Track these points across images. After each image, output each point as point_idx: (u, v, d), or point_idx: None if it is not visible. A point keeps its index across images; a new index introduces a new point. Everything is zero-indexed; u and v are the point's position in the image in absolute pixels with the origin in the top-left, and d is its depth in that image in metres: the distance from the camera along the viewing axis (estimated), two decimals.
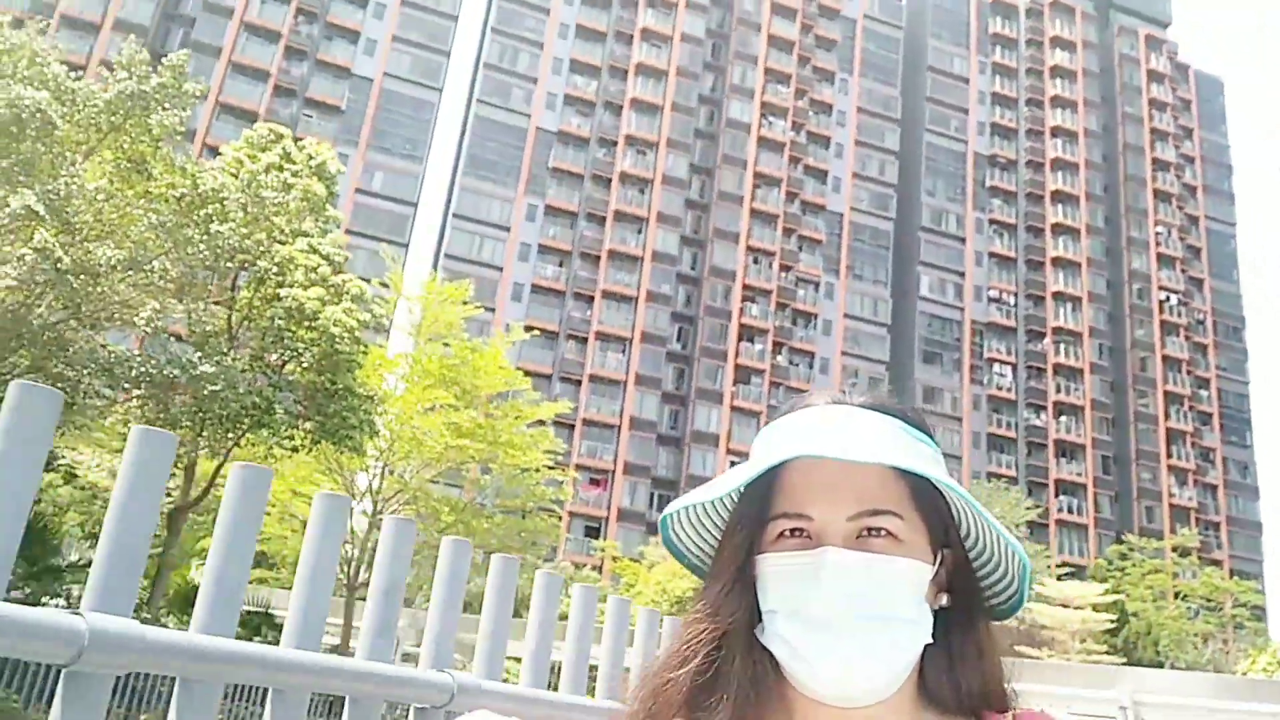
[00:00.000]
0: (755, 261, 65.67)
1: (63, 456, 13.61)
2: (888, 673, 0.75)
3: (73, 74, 10.74)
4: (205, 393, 10.60)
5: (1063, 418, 69.59)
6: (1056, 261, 73.13)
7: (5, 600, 0.82)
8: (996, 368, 70.22)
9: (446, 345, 16.79)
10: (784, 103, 68.81)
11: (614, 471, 57.83)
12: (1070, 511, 66.70)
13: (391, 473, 15.40)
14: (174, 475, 14.07)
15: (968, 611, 0.81)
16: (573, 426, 57.25)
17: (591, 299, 62.20)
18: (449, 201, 65.28)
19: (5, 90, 8.87)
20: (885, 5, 76.99)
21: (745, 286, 64.62)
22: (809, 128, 70.10)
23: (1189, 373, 73.39)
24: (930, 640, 0.78)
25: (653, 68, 66.68)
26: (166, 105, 10.52)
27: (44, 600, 11.53)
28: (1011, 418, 68.86)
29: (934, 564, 0.80)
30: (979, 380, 69.39)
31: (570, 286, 62.45)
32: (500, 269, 62.20)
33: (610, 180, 64.37)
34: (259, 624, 15.73)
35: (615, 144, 65.20)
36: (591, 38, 67.61)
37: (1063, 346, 71.01)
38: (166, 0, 57.95)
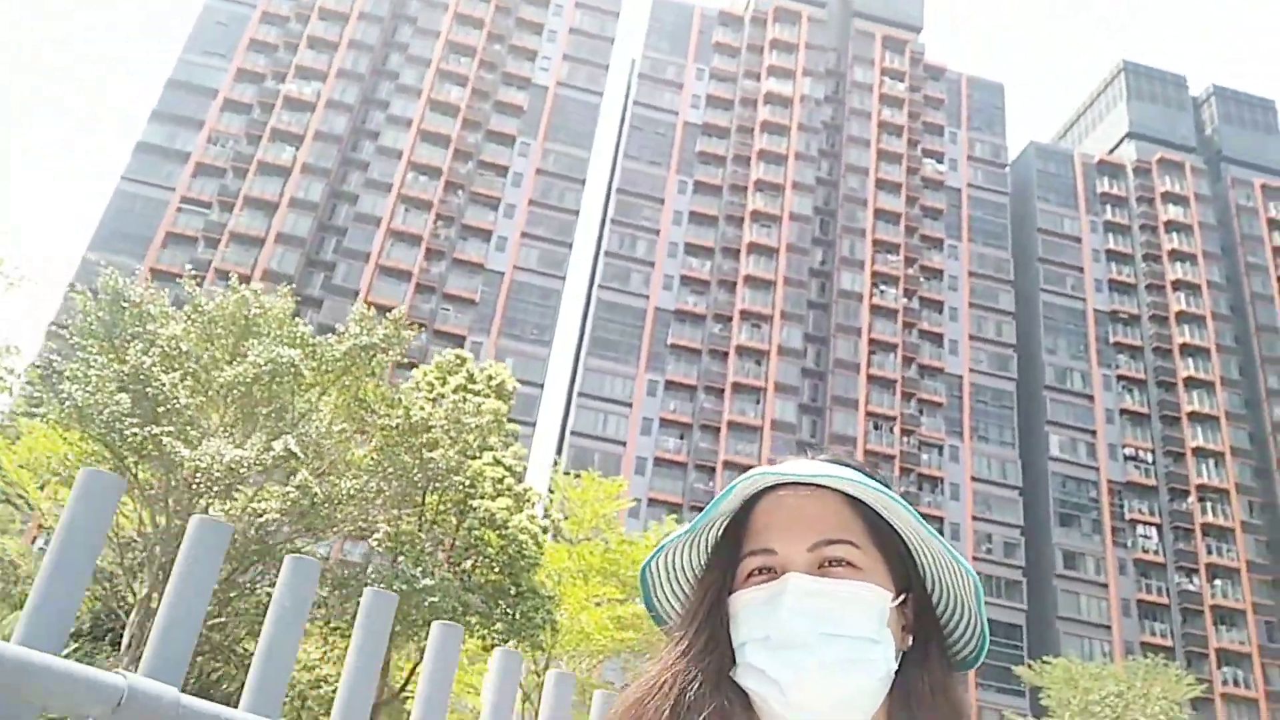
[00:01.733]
0: (875, 427, 65.86)
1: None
2: (854, 691, 0.79)
3: (307, 328, 12.98)
4: (425, 604, 12.14)
5: (1217, 580, 65.54)
6: (1193, 416, 70.80)
7: None
8: (1140, 529, 67.27)
9: (605, 540, 18.15)
10: (894, 271, 70.54)
11: None
12: (1236, 684, 61.79)
13: (559, 665, 16.44)
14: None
15: (930, 655, 0.85)
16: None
17: (713, 470, 63.16)
18: (573, 381, 68.35)
19: (269, 351, 10.98)
20: (989, 174, 79.10)
21: (867, 452, 64.60)
22: (921, 293, 71.37)
23: None
24: (895, 668, 0.82)
25: (764, 245, 69.70)
26: (390, 356, 12.57)
27: None
28: (1162, 582, 65.29)
29: (894, 594, 0.85)
30: (1122, 543, 66.49)
31: (692, 458, 63.71)
32: (624, 444, 64.12)
33: (727, 354, 66.44)
34: None
35: (730, 319, 67.63)
36: (704, 222, 71.39)
37: (1209, 504, 67.73)
38: (323, 213, 64.48)
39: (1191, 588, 65.02)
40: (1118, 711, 37.79)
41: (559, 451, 63.50)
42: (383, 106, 69.16)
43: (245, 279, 57.99)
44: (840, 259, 70.84)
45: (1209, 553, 65.94)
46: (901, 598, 0.84)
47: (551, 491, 15.35)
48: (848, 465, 0.89)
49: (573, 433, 64.52)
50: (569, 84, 74.39)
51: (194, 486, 11.12)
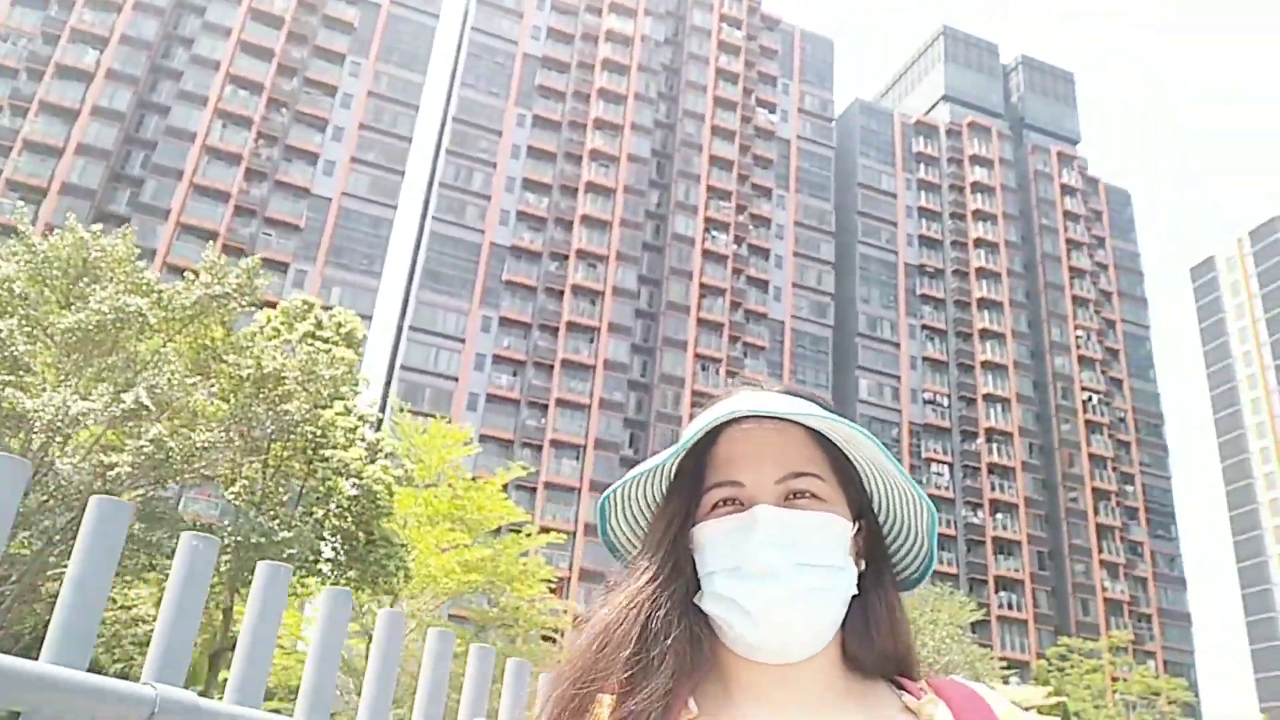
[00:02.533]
0: (703, 368, 68.22)
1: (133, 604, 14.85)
2: (824, 618, 0.82)
3: (153, 273, 12.43)
4: (283, 555, 12.13)
5: (999, 515, 72.49)
6: (985, 365, 77.10)
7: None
8: (934, 467, 73.09)
9: (451, 485, 18.45)
10: (726, 218, 72.55)
11: (569, 577, 58.60)
12: (1010, 607, 68.99)
13: (403, 607, 16.75)
14: (211, 619, 15.33)
15: (880, 577, 0.89)
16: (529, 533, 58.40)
17: (546, 407, 63.87)
18: (404, 314, 66.98)
19: (113, 299, 10.47)
20: (817, 127, 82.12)
21: (694, 392, 66.94)
22: (750, 240, 73.83)
23: (1114, 469, 77.20)
24: (855, 593, 0.86)
25: (601, 186, 70.01)
26: (242, 304, 12.22)
27: None
28: (950, 515, 71.47)
29: (853, 524, 0.88)
30: (918, 480, 72.02)
31: (525, 395, 64.11)
32: (456, 379, 63.71)
33: (563, 292, 66.81)
34: None
35: (567, 258, 67.88)
36: (542, 158, 70.84)
37: (995, 446, 74.38)
38: (130, 125, 59.67)
39: (976, 521, 71.62)
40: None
41: (388, 385, 62.34)
42: (198, 12, 64.28)
43: (41, 191, 53.25)
44: (675, 203, 72.15)
45: (992, 489, 72.68)
46: (857, 526, 0.89)
47: (385, 420, 15.29)
48: (801, 397, 0.93)
49: (403, 367, 63.49)
50: (403, 3, 71.44)
51: (35, 438, 10.62)
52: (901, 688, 0.87)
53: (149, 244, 50.43)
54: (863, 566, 0.87)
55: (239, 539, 11.78)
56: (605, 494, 0.90)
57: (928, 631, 41.67)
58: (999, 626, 67.42)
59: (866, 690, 0.86)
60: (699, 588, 0.84)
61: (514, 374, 65.07)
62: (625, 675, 0.80)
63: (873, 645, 0.85)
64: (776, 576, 0.79)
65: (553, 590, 21.36)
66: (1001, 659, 62.93)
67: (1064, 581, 71.68)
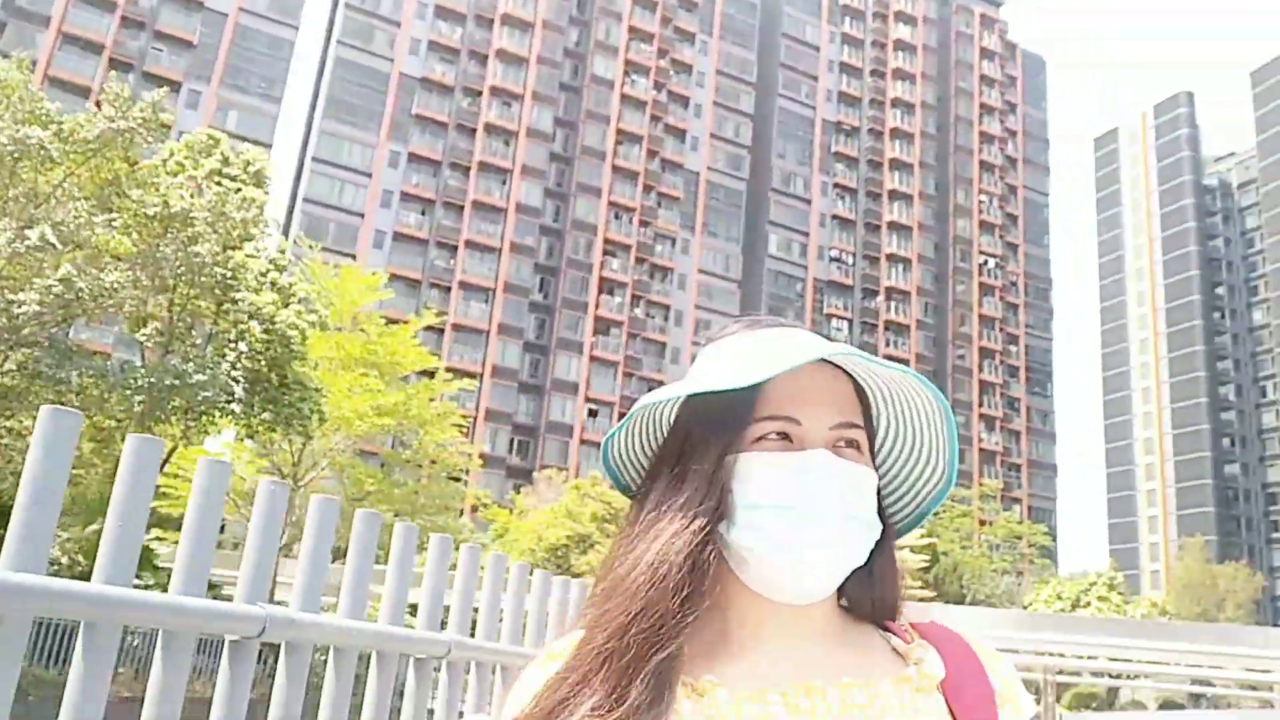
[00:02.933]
0: (616, 216, 68.01)
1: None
2: (844, 569, 0.83)
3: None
4: (198, 398, 12.23)
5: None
6: (891, 225, 78.84)
7: None
8: (834, 323, 75.54)
9: (363, 330, 18.54)
10: (646, 61, 70.79)
11: (475, 418, 59.63)
12: None
13: (309, 437, 17.06)
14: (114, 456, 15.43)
15: (886, 527, 0.88)
16: (433, 374, 58.63)
17: (455, 248, 63.12)
18: (306, 144, 64.35)
19: (10, 130, 9.94)
20: None
21: (606, 240, 66.96)
22: (670, 87, 72.44)
23: (1001, 330, 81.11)
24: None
25: (518, 19, 67.21)
26: (148, 139, 11.75)
27: None
28: None
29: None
30: (819, 333, 74.16)
31: (433, 235, 63.14)
32: (361, 215, 62.19)
33: (475, 130, 64.97)
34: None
35: (480, 94, 65.67)
36: None
37: (894, 304, 77.09)
38: None
39: None
40: None
41: (289, 217, 60.44)
42: None
43: None
44: (595, 42, 69.91)
45: (887, 345, 75.79)
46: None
47: (283, 253, 15.11)
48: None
49: (305, 199, 61.55)
50: None
51: None
52: (888, 630, 0.90)
53: (29, 53, 46.60)
54: None
55: (151, 380, 11.86)
56: (647, 401, 0.87)
57: None
58: None
59: (858, 633, 0.89)
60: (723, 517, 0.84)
61: (422, 213, 63.80)
62: (688, 615, 0.80)
63: (871, 593, 0.88)
64: (826, 523, 0.80)
65: (462, 432, 21.99)
66: None
67: None
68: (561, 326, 64.68)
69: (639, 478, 0.92)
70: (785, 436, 0.83)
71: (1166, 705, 36.75)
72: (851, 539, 0.82)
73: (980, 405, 78.24)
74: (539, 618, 2.33)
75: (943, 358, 78.26)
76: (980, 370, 79.27)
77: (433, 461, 20.33)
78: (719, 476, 0.82)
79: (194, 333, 13.69)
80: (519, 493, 49.61)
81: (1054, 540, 76.31)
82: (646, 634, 0.78)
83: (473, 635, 2.18)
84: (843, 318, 75.88)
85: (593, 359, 64.67)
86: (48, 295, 10.46)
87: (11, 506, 0.94)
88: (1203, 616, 48.86)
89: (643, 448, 0.91)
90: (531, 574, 2.37)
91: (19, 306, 10.88)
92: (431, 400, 19.79)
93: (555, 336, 64.56)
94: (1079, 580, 44.11)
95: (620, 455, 0.91)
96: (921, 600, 37.93)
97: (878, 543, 0.85)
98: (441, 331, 59.79)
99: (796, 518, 0.80)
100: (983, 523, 61.73)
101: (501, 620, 2.25)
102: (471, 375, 60.92)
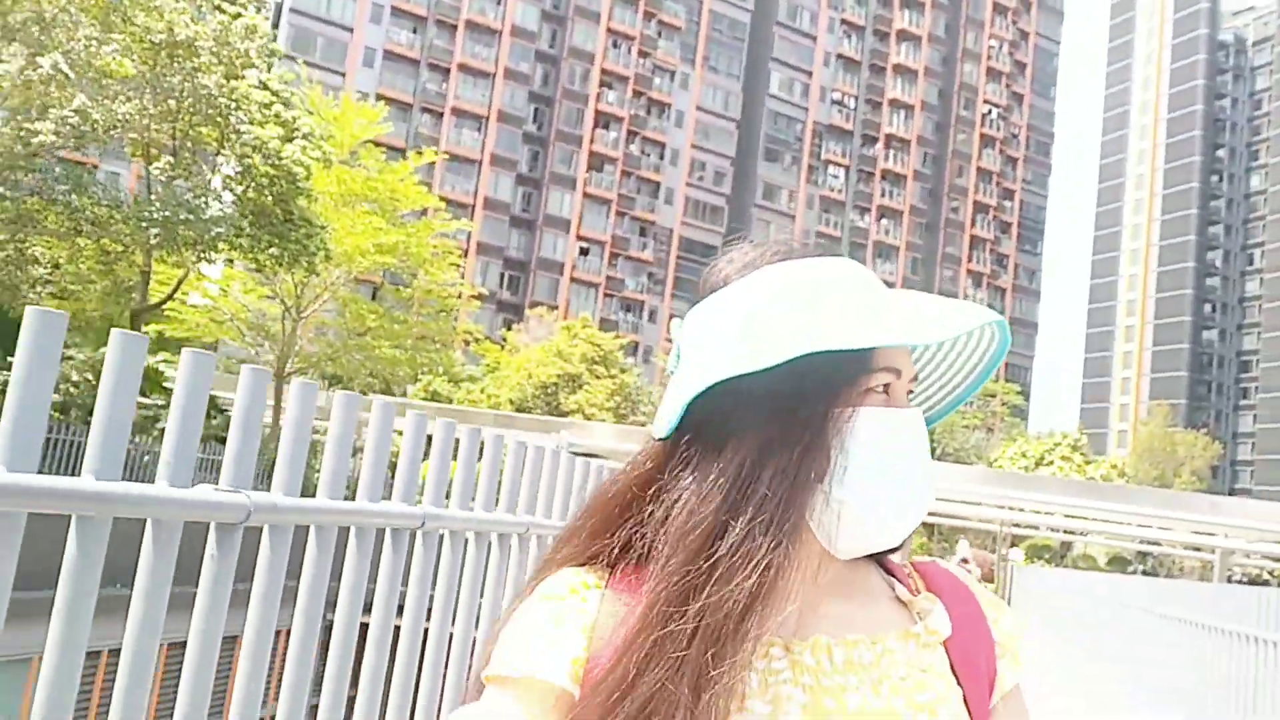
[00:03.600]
0: (615, 45, 65.82)
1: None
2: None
3: None
4: (210, 233, 12.38)
5: (884, 220, 75.72)
6: (897, 69, 76.72)
7: None
8: (831, 169, 74.68)
9: (363, 165, 18.42)
10: None
11: (467, 250, 59.54)
12: None
13: (316, 274, 17.32)
14: (134, 285, 15.77)
15: None
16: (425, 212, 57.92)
17: (447, 71, 61.26)
18: None
19: None
20: None
21: (603, 71, 65.06)
22: None
23: (998, 184, 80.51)
24: None
25: None
26: None
27: None
28: (839, 218, 74.31)
29: None
30: (815, 180, 73.86)
31: (425, 56, 61.10)
32: (350, 30, 59.90)
33: None
34: (207, 411, 18.09)
35: None
36: None
37: (893, 153, 76.03)
38: None
39: (862, 225, 74.75)
40: None
41: (275, 28, 58.12)
42: None
43: None
44: None
45: (882, 195, 75.28)
46: None
47: (286, 84, 14.86)
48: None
49: (292, 10, 59.03)
50: None
51: None
52: (890, 573, 0.88)
53: None
54: None
55: (166, 214, 11.97)
56: (798, 353, 0.73)
57: None
58: None
59: (862, 577, 0.85)
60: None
61: (414, 31, 61.48)
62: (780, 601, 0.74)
63: None
64: (915, 485, 0.78)
65: (459, 271, 22.25)
66: None
67: (931, 288, 76.92)
68: (555, 160, 63.70)
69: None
70: (885, 390, 0.78)
71: (1114, 560, 39.15)
72: (930, 499, 0.79)
73: (970, 260, 78.62)
74: (513, 485, 2.50)
75: (936, 210, 77.95)
76: (973, 225, 79.16)
77: (428, 292, 20.66)
78: (826, 434, 0.75)
79: (203, 166, 13.69)
80: (510, 329, 50.26)
81: (1027, 399, 78.45)
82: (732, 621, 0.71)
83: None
84: (840, 165, 74.92)
85: (586, 195, 64.08)
86: (63, 126, 10.42)
87: (17, 324, 1.10)
88: (1159, 480, 51.17)
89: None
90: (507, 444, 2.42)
91: (34, 136, 10.86)
92: (430, 238, 19.94)
93: (549, 170, 63.68)
94: (1045, 440, 45.90)
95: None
96: None
97: None
98: (433, 160, 58.73)
99: (892, 478, 0.76)
100: None
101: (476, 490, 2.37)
102: (463, 206, 60.39)
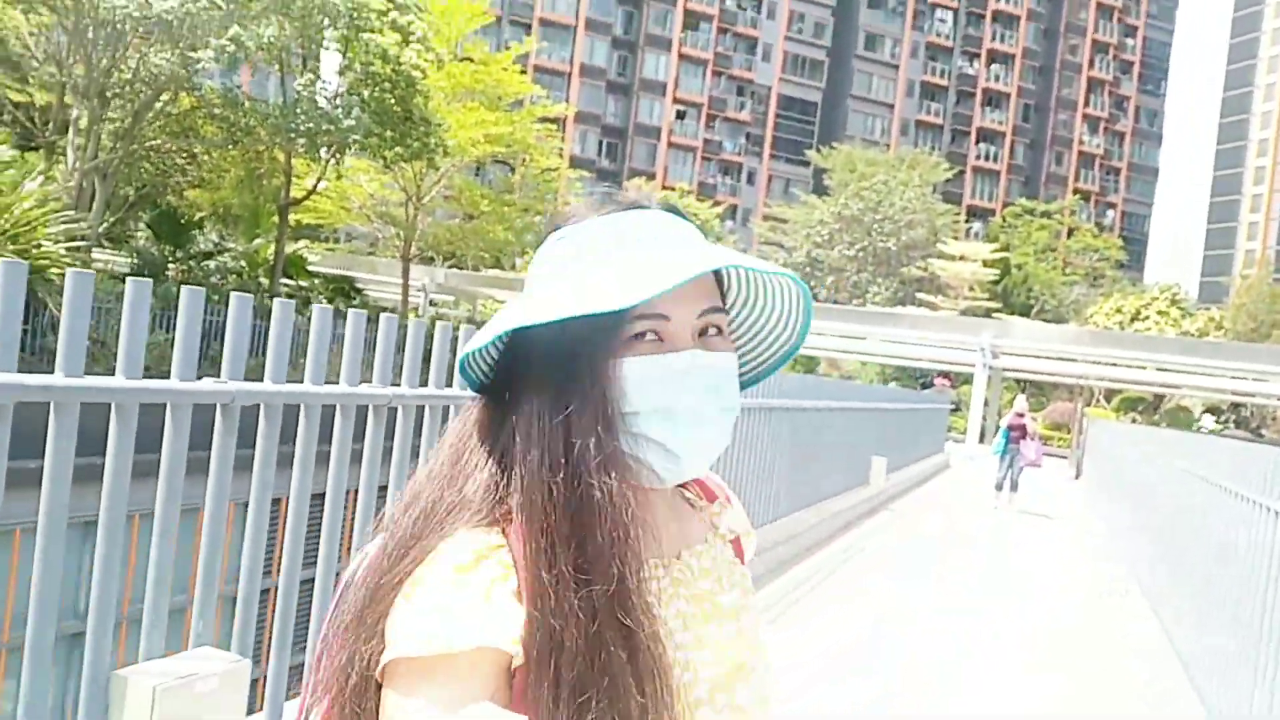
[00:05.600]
0: None
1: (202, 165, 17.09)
2: (722, 451, 0.83)
3: None
4: (349, 140, 14.13)
5: (994, 65, 72.50)
6: None
7: None
8: (938, 13, 71.45)
9: (469, 59, 19.68)
10: None
11: (566, 119, 60.27)
12: (987, 159, 72.02)
13: (436, 169, 18.99)
14: (277, 179, 17.77)
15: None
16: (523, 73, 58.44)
17: None
18: None
19: None
20: None
21: None
22: None
23: (1119, 20, 75.69)
24: None
25: None
26: None
27: (192, 279, 15.64)
28: (947, 65, 71.54)
29: None
30: (920, 26, 70.95)
31: None
32: None
33: None
34: (345, 289, 20.40)
35: None
36: None
37: None
38: None
39: (970, 71, 71.83)
40: (881, 196, 44.88)
41: None
42: None
43: None
44: None
45: (994, 38, 71.87)
46: None
47: None
48: (687, 218, 0.86)
49: None
50: None
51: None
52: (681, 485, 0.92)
53: None
54: None
55: (310, 125, 13.72)
56: (511, 327, 0.77)
57: (898, 192, 44.78)
58: (973, 177, 71.01)
59: (674, 497, 0.91)
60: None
61: None
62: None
63: None
64: (704, 421, 0.80)
65: (556, 152, 23.74)
66: (969, 207, 67.43)
67: (1044, 134, 74.00)
68: (650, 20, 63.04)
69: (490, 375, 0.84)
70: (655, 335, 0.79)
71: (1210, 411, 39.07)
72: (726, 429, 0.82)
73: (1086, 105, 74.96)
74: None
75: (1052, 52, 74.08)
76: (1091, 66, 75.06)
77: (534, 176, 22.12)
78: (600, 383, 0.77)
79: (339, 79, 15.32)
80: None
81: (1142, 251, 75.77)
82: (611, 567, 0.74)
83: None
84: (948, 7, 71.53)
85: (681, 56, 63.48)
86: (222, 53, 12.06)
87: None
88: (1257, 334, 49.88)
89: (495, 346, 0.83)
90: (458, 329, 2.89)
91: (198, 63, 12.60)
92: (535, 123, 21.26)
93: (644, 32, 63.14)
94: (1140, 294, 45.21)
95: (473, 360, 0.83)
96: (986, 311, 39.86)
97: None
98: (528, 27, 58.97)
99: (677, 422, 0.79)
100: (1071, 231, 61.69)
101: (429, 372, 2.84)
102: (559, 74, 60.71)
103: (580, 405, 0.77)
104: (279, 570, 2.26)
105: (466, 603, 0.70)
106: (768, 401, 6.75)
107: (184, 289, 1.90)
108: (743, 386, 0.91)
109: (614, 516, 0.75)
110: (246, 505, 2.15)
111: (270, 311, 2.13)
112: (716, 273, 0.84)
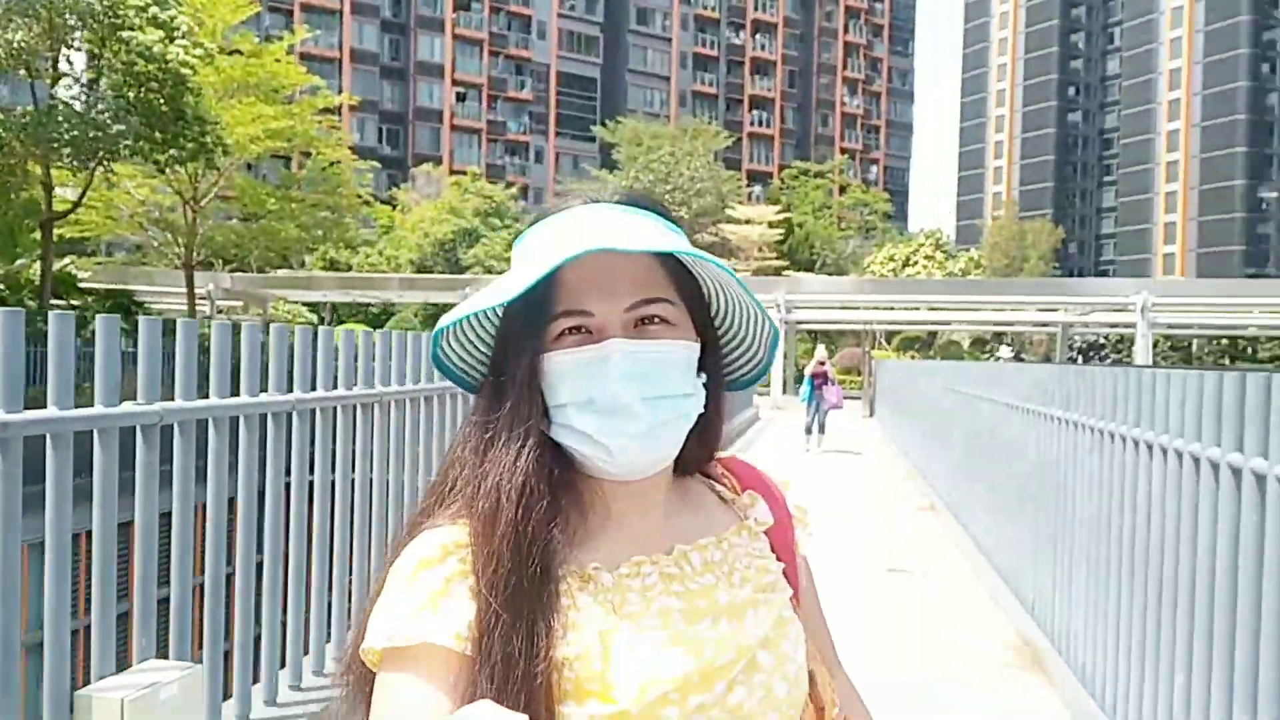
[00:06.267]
0: None
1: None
2: (674, 445, 0.82)
3: None
4: (119, 145, 13.08)
5: (759, 35, 75.78)
6: None
7: None
8: None
9: (238, 51, 18.67)
10: None
11: (341, 107, 57.95)
12: (760, 125, 75.37)
13: (215, 169, 17.95)
14: (33, 192, 16.27)
15: (716, 384, 0.86)
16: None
17: None
18: None
19: None
20: None
21: None
22: None
23: None
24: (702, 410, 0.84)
25: None
26: None
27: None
28: (716, 36, 74.07)
29: (697, 341, 0.84)
30: (687, 0, 73.00)
31: None
32: None
33: None
34: (125, 304, 18.98)
35: None
36: None
37: None
38: None
39: (738, 41, 74.74)
40: (669, 167, 46.25)
41: None
42: None
43: None
44: None
45: (755, 8, 75.01)
46: (700, 342, 0.85)
47: None
48: (649, 210, 0.85)
49: None
50: None
51: None
52: (709, 477, 0.93)
53: None
54: (702, 379, 0.85)
55: (75, 133, 12.69)
56: (437, 329, 0.84)
57: (684, 163, 46.29)
58: (750, 143, 74.15)
59: (692, 489, 0.91)
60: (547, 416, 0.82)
61: None
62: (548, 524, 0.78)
63: (700, 450, 0.88)
64: (629, 411, 0.78)
65: (340, 144, 22.84)
66: (749, 172, 70.40)
67: (809, 99, 78.16)
68: (419, 2, 61.58)
69: (479, 374, 0.89)
70: (583, 330, 0.80)
71: (976, 342, 43.27)
72: (663, 421, 0.80)
73: (845, 68, 79.74)
74: (367, 365, 3.28)
75: (809, 20, 78.22)
76: (846, 31, 79.86)
77: (321, 170, 21.34)
78: (535, 382, 0.80)
79: (100, 81, 14.17)
80: (398, 187, 50.08)
81: (904, 201, 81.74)
82: (520, 551, 0.76)
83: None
84: None
85: (455, 36, 62.47)
86: None
87: None
88: (1010, 269, 55.55)
89: (477, 346, 0.87)
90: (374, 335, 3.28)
91: None
92: (316, 115, 20.49)
93: (414, 14, 61.62)
94: (908, 242, 49.25)
95: (454, 359, 0.88)
96: (775, 270, 42.17)
97: (710, 402, 0.86)
98: (290, 12, 56.14)
99: (600, 413, 0.79)
100: (843, 189, 65.80)
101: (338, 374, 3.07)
102: (329, 61, 58.23)
103: (515, 402, 0.80)
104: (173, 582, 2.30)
105: (414, 602, 0.74)
106: None
107: None
108: (743, 386, 0.94)
109: (537, 510, 0.77)
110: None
111: (45, 335, 1.94)
112: (683, 264, 0.84)
